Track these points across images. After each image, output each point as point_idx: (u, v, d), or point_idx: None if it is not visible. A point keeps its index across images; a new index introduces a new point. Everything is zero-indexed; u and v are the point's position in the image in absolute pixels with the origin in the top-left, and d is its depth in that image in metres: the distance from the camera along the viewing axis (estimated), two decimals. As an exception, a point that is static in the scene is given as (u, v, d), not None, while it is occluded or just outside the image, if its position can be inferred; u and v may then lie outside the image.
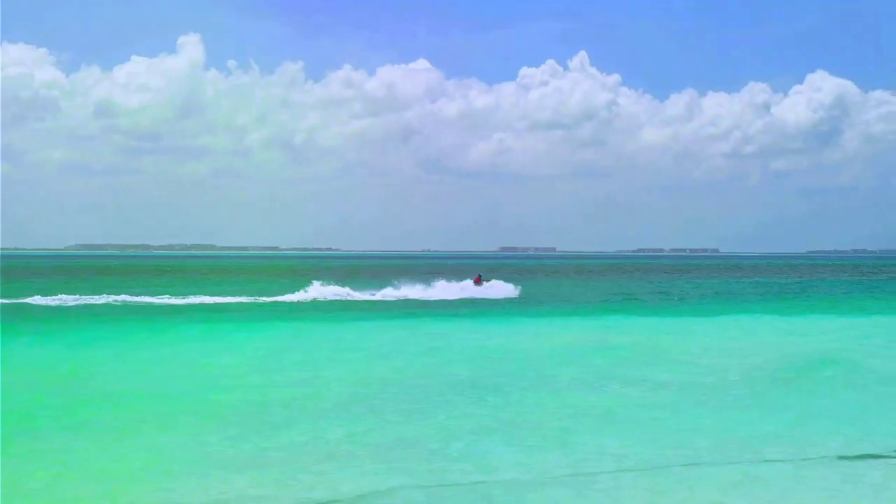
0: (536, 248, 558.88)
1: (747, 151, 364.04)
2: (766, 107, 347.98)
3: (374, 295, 72.87)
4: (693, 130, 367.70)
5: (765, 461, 17.23)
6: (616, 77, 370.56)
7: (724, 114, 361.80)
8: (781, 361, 31.39)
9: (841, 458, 17.49)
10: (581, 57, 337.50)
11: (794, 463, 17.11)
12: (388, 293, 74.55)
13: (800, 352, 34.46)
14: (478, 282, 79.39)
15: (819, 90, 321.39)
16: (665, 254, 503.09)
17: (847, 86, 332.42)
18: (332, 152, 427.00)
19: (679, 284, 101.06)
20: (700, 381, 27.08)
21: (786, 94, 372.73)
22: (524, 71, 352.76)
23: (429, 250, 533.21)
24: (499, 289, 77.72)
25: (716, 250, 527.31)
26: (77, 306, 58.55)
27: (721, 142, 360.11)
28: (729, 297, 76.32)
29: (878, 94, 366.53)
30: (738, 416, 21.51)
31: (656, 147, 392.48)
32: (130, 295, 66.88)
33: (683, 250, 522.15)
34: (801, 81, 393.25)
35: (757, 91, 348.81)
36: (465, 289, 77.46)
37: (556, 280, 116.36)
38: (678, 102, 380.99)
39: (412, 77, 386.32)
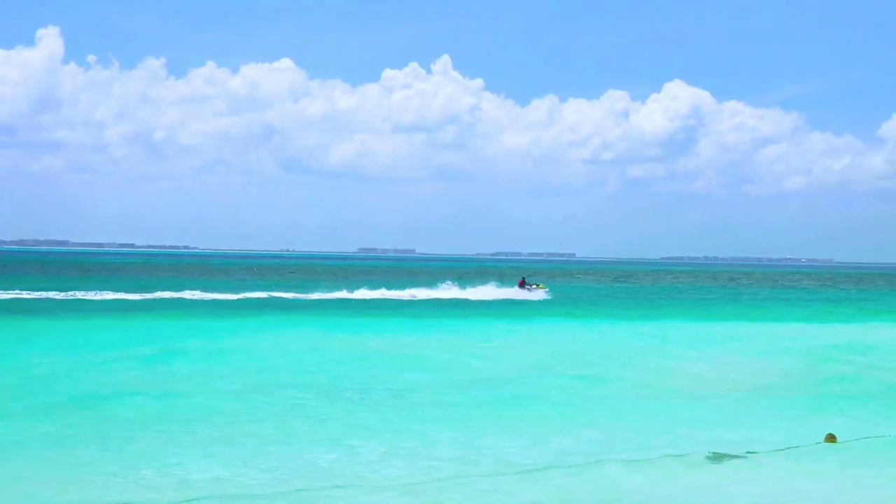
0: (396, 250, 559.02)
1: (606, 158, 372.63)
2: (625, 114, 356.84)
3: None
4: (553, 136, 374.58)
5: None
6: (479, 82, 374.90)
7: (584, 120, 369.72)
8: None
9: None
10: (444, 61, 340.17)
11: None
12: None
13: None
14: (522, 284, 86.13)
15: (676, 99, 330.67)
16: (523, 257, 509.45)
17: (703, 95, 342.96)
18: (192, 150, 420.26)
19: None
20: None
21: (644, 103, 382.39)
22: (387, 73, 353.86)
23: (286, 250, 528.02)
24: (538, 293, 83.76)
25: (572, 255, 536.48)
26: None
27: (580, 148, 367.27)
28: (580, 302, 78.10)
29: (732, 105, 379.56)
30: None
31: (517, 152, 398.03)
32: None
33: (541, 254, 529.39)
34: (658, 90, 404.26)
35: (616, 99, 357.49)
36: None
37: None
38: (539, 108, 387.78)
39: (276, 76, 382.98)
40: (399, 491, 15.55)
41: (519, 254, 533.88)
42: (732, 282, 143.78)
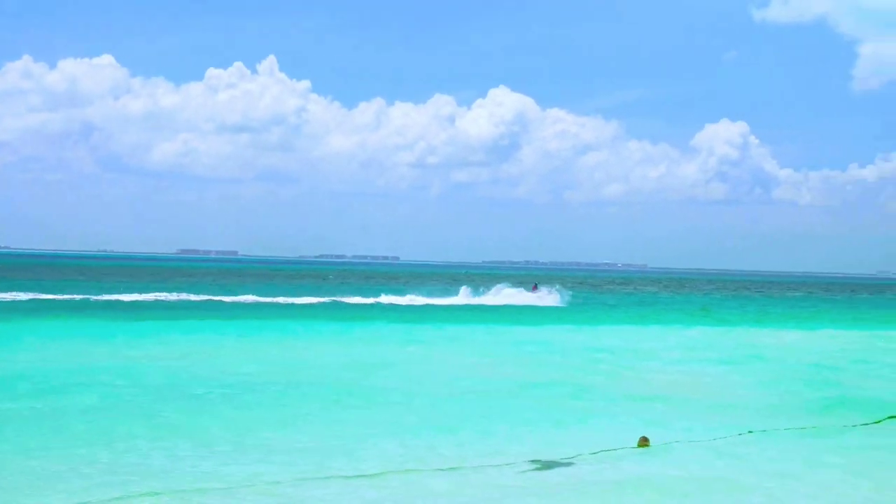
0: (218, 252, 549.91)
1: (431, 162, 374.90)
2: (451, 119, 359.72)
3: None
4: (380, 139, 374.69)
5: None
6: (306, 83, 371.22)
7: (411, 124, 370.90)
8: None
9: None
10: (270, 61, 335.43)
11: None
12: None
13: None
14: (534, 290, 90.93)
15: (501, 105, 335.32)
16: (347, 260, 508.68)
17: (527, 102, 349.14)
18: (5, 146, 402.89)
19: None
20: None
21: (469, 108, 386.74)
22: (211, 72, 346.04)
23: (105, 250, 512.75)
24: (550, 297, 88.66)
25: (396, 258, 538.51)
26: None
27: (406, 151, 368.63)
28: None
29: (554, 112, 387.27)
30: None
31: (343, 154, 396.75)
32: None
33: (365, 257, 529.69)
34: (483, 96, 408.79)
35: (442, 103, 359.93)
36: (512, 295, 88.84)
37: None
38: (366, 111, 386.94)
39: (96, 73, 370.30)
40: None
41: (343, 256, 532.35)
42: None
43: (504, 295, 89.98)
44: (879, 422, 24.20)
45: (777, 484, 17.25)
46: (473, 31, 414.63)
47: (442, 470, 18.06)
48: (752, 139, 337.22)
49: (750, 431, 22.59)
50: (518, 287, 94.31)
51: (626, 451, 20.21)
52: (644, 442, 20.71)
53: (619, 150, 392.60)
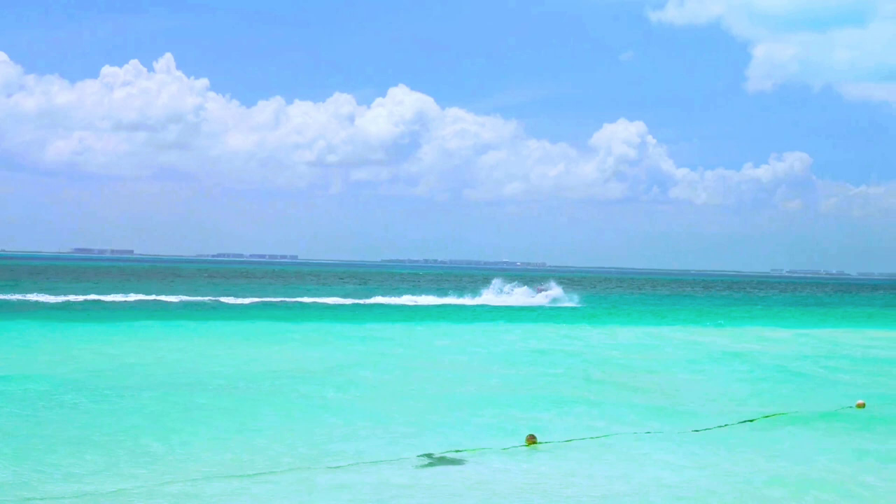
0: (113, 250, 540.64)
1: (330, 161, 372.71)
2: (351, 118, 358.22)
3: None
4: (279, 138, 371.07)
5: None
6: (204, 81, 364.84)
7: (310, 123, 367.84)
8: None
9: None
10: (167, 59, 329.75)
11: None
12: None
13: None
14: (540, 291, 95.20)
15: (400, 104, 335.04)
16: (245, 259, 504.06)
17: (427, 101, 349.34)
18: None
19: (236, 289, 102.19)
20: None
21: (369, 107, 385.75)
22: (107, 70, 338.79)
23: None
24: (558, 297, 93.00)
25: (295, 257, 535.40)
26: None
27: (305, 150, 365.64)
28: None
29: (454, 111, 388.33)
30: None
31: (242, 153, 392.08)
32: None
33: (264, 256, 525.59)
34: (383, 94, 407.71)
35: (342, 102, 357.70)
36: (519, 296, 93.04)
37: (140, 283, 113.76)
38: (265, 109, 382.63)
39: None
40: None
41: (241, 255, 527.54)
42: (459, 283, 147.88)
43: (513, 296, 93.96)
44: (753, 420, 24.74)
45: (644, 482, 17.57)
46: (372, 29, 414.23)
47: (332, 468, 17.97)
48: (650, 138, 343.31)
49: (647, 432, 22.85)
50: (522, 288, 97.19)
51: (514, 449, 20.31)
52: (532, 440, 20.79)
53: (519, 149, 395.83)
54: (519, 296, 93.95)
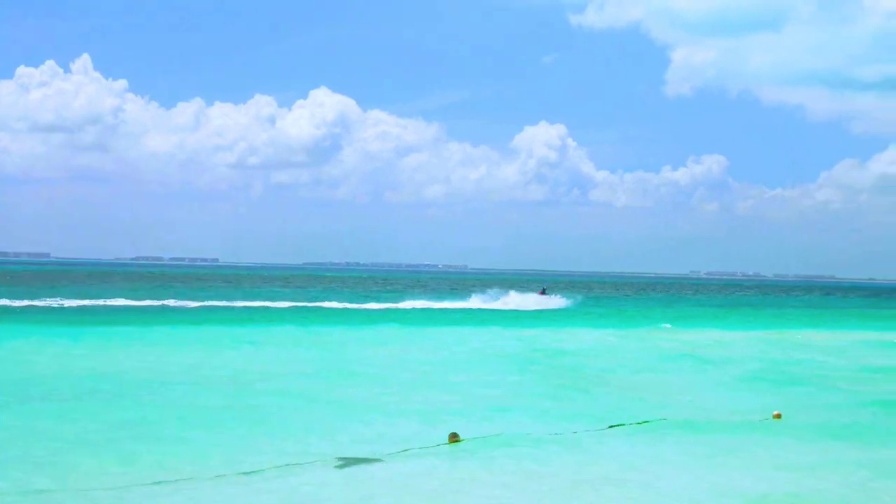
0: (28, 253, 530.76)
1: (252, 163, 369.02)
2: (272, 120, 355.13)
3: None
4: (199, 140, 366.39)
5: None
6: (122, 83, 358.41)
7: (231, 125, 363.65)
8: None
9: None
10: (84, 60, 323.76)
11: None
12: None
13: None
14: (542, 293, 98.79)
15: (322, 106, 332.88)
16: (164, 262, 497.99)
17: (348, 103, 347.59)
18: None
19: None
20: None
21: (290, 109, 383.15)
22: (22, 70, 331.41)
23: None
24: (558, 301, 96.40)
25: (216, 260, 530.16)
26: None
27: (226, 152, 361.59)
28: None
29: (376, 114, 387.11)
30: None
31: (161, 155, 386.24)
32: None
33: (183, 259, 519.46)
34: (304, 97, 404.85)
35: (263, 104, 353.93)
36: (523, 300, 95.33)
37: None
38: (185, 111, 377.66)
39: None
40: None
41: (160, 258, 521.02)
42: (389, 286, 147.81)
43: (512, 299, 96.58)
44: (642, 423, 24.62)
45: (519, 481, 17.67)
46: (293, 31, 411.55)
47: (248, 473, 17.76)
48: (570, 141, 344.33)
49: (574, 432, 22.95)
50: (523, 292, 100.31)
51: (436, 447, 20.30)
52: (454, 438, 20.80)
53: (440, 151, 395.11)
54: (517, 300, 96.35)
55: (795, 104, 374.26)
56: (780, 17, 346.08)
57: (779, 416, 26.80)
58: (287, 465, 18.40)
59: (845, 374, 38.19)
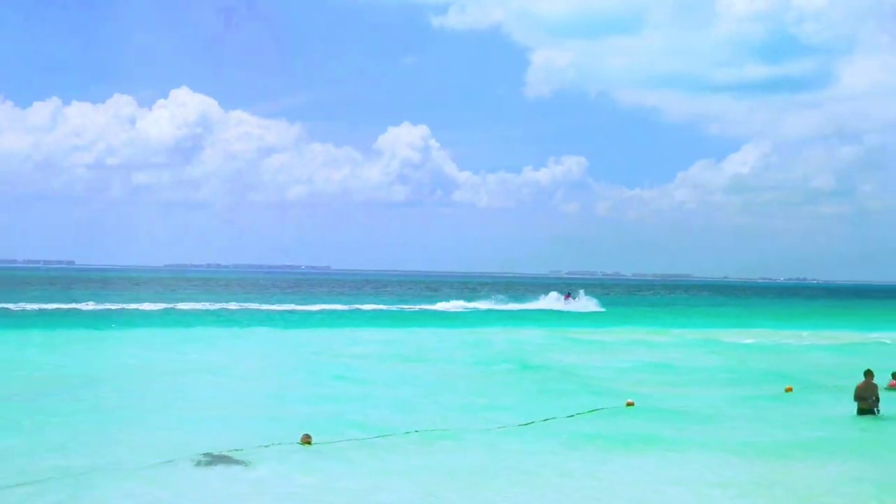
0: None
1: (111, 163, 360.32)
2: (132, 120, 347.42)
3: None
4: (56, 140, 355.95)
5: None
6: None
7: (89, 125, 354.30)
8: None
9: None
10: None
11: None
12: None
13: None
14: (567, 298, 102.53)
15: (183, 106, 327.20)
16: (18, 265, 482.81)
17: (210, 104, 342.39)
18: None
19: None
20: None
21: (150, 109, 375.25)
22: None
23: None
24: (584, 304, 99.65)
25: (72, 262, 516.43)
26: None
27: (84, 153, 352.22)
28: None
29: (238, 114, 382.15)
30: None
31: (16, 156, 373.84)
32: None
33: (38, 262, 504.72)
34: (165, 96, 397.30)
35: (122, 104, 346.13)
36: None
37: None
38: (42, 111, 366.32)
39: None
40: None
41: (14, 261, 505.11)
42: (257, 289, 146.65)
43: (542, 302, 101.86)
44: (580, 416, 25.33)
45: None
46: (153, 29, 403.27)
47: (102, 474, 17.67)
48: (433, 142, 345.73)
49: (416, 431, 23.32)
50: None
51: (288, 446, 20.43)
52: (306, 439, 20.94)
53: (303, 152, 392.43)
54: (549, 301, 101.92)
55: (652, 106, 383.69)
56: (637, 20, 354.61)
57: (631, 403, 27.74)
58: (146, 466, 18.32)
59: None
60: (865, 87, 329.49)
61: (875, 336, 63.01)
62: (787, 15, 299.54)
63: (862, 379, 26.85)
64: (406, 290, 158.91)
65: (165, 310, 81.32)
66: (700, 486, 18.09)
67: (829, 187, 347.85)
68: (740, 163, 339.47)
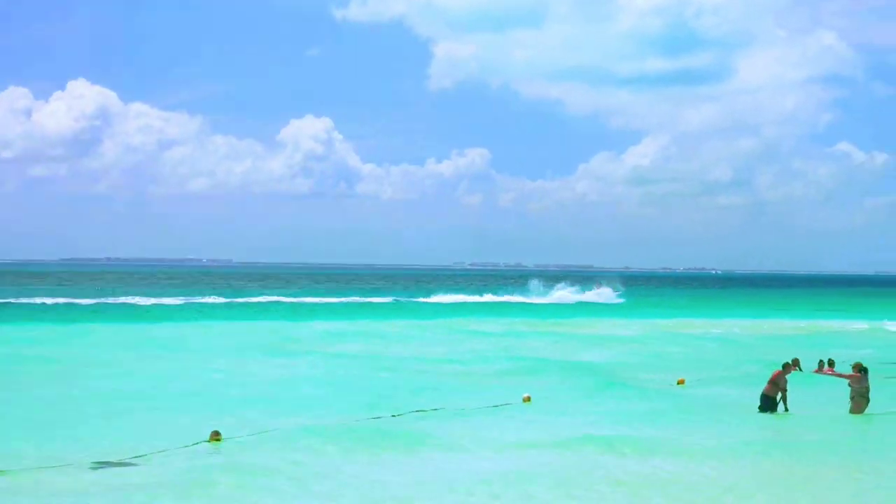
0: None
1: (5, 157, 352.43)
2: (27, 112, 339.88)
3: None
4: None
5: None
6: None
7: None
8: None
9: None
10: None
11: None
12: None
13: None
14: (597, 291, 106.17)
15: (81, 98, 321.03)
16: None
17: (109, 96, 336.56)
18: None
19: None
20: None
21: (47, 101, 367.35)
22: None
23: None
24: (605, 295, 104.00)
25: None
26: None
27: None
28: None
29: (137, 106, 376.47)
30: None
31: None
32: None
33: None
34: (62, 88, 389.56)
35: (17, 95, 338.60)
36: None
37: None
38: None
39: None
40: None
41: None
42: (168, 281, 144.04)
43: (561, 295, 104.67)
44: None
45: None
46: (48, 18, 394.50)
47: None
48: (336, 134, 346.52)
49: (320, 424, 23.29)
50: None
51: (197, 446, 20.25)
52: (215, 436, 20.79)
53: (205, 144, 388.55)
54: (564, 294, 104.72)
55: (555, 99, 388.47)
56: (539, 14, 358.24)
57: (528, 398, 27.89)
58: (39, 468, 17.97)
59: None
60: (762, 81, 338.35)
61: (769, 324, 64.86)
62: (687, 9, 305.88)
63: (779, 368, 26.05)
64: (306, 283, 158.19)
65: (67, 304, 79.89)
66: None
67: (727, 179, 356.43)
68: (641, 155, 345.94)
